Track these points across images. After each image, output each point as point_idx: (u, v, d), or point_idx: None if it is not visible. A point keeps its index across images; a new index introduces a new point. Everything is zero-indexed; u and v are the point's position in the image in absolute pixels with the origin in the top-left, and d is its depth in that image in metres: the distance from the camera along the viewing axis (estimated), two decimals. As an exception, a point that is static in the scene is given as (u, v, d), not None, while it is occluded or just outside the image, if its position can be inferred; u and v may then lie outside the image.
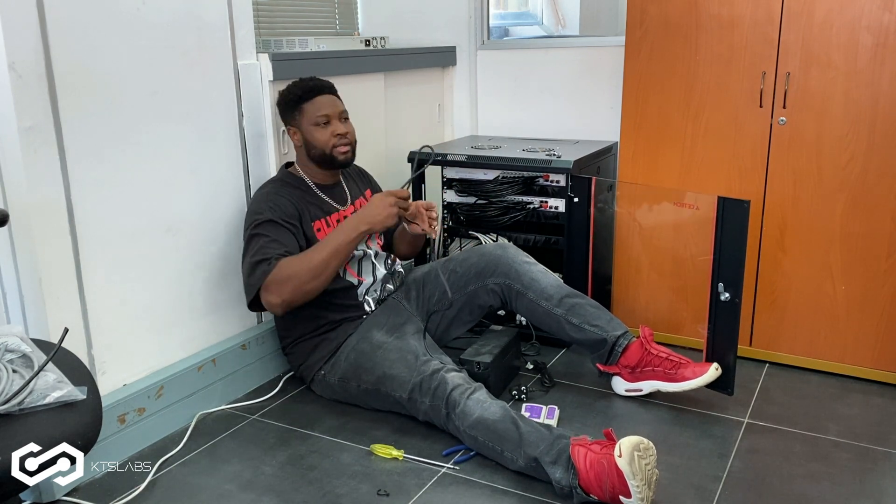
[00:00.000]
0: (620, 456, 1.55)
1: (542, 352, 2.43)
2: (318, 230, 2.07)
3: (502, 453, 1.75)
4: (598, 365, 2.11)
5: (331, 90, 2.12)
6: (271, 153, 2.22)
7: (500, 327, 2.32)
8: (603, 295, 2.51)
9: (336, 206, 2.15)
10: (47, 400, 1.09)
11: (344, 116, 2.12)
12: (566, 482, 1.63)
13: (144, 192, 1.87)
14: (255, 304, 1.98)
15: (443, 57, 3.01)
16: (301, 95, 2.08)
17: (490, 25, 3.07)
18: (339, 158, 2.10)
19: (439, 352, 2.02)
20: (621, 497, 1.57)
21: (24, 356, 1.18)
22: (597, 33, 2.98)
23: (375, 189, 2.33)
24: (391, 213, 2.02)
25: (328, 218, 2.11)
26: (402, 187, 2.11)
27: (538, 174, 2.46)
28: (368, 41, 2.74)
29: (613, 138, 2.65)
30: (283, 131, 2.19)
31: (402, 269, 2.33)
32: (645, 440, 1.59)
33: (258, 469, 1.81)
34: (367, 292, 2.15)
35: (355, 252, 2.10)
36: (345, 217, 2.11)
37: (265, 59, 2.14)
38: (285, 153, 2.25)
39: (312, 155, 2.10)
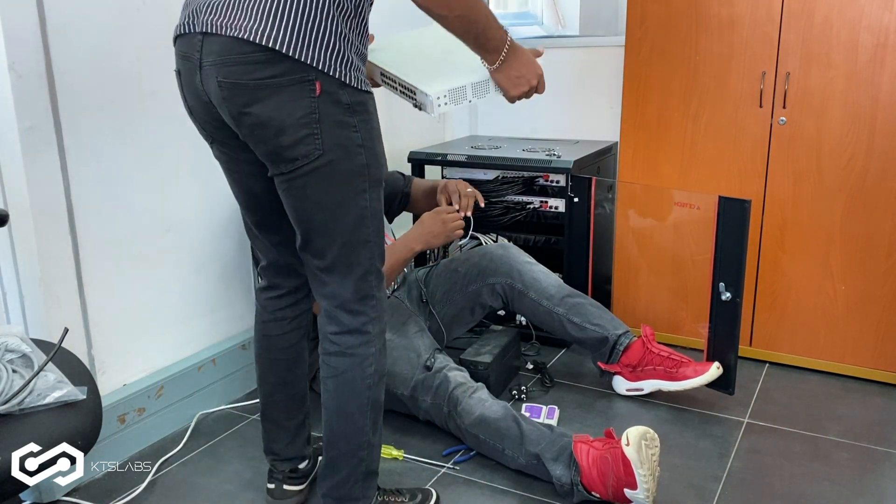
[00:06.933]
0: (628, 444, 1.56)
1: (542, 352, 2.43)
2: None
3: (503, 451, 1.75)
4: (599, 364, 2.12)
5: None
6: (271, 153, 2.21)
7: (500, 327, 2.32)
8: (603, 295, 2.52)
9: None
10: (47, 400, 1.09)
11: None
12: (567, 479, 1.64)
13: (144, 192, 1.87)
14: None
15: (443, 57, 3.00)
16: None
17: (490, 25, 3.06)
18: None
19: (441, 350, 2.02)
20: (626, 490, 1.57)
21: (24, 356, 1.18)
22: (597, 33, 2.98)
23: None
24: (451, 236, 2.03)
25: None
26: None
27: (538, 174, 2.46)
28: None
29: (613, 138, 2.65)
30: None
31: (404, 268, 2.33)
32: (651, 430, 1.60)
33: (258, 469, 1.80)
34: None
35: None
36: None
37: (265, 59, 2.14)
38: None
39: None
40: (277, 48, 1.18)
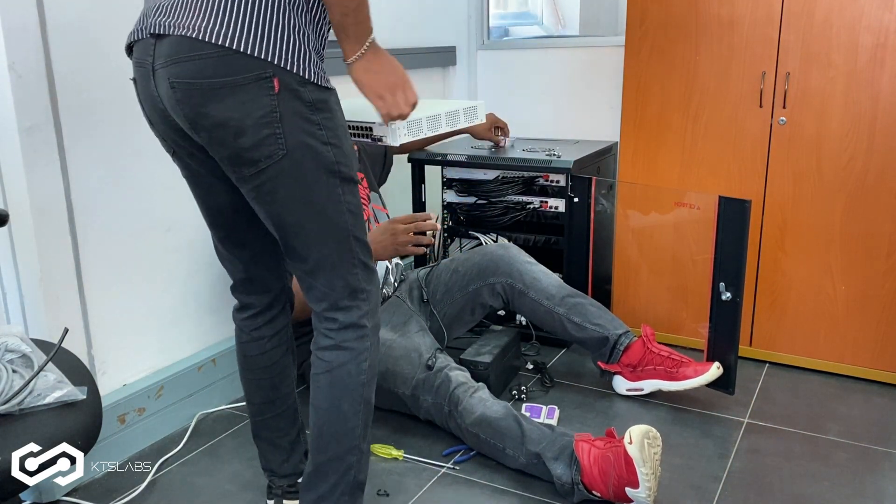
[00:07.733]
0: (631, 443, 1.56)
1: (542, 352, 2.43)
2: None
3: (504, 450, 1.75)
4: (599, 363, 2.12)
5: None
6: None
7: (500, 327, 2.32)
8: (603, 295, 2.52)
9: None
10: (47, 400, 1.09)
11: None
12: (567, 478, 1.64)
13: (144, 193, 1.87)
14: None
15: (443, 57, 3.01)
16: None
17: (490, 25, 3.07)
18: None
19: (442, 350, 2.02)
20: (627, 489, 1.57)
21: (24, 356, 1.18)
22: (597, 33, 2.98)
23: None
24: (400, 251, 1.95)
25: None
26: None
27: (538, 174, 2.46)
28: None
29: (613, 138, 2.65)
30: None
31: (403, 268, 2.33)
32: (653, 429, 1.60)
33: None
34: None
35: None
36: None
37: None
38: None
39: None
40: (228, 45, 1.13)
